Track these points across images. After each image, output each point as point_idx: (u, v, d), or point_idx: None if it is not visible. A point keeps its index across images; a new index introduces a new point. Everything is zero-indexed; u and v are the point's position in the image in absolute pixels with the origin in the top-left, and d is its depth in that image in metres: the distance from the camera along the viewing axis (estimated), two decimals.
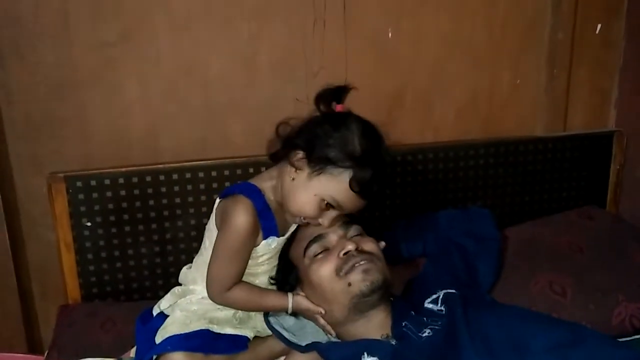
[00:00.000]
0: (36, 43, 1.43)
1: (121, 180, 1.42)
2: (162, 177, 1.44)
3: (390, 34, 1.62)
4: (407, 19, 1.62)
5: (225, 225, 1.11)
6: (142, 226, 1.45)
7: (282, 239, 1.17)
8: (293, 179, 1.09)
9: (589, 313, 1.36)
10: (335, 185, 1.06)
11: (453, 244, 1.40)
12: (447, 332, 1.10)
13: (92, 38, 1.45)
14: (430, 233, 1.47)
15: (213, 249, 1.13)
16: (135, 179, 1.43)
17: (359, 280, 1.12)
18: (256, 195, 1.12)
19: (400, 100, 1.67)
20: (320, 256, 1.15)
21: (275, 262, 1.20)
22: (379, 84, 1.64)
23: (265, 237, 1.13)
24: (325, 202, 1.08)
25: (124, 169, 1.43)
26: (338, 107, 1.11)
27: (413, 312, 1.18)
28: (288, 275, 1.20)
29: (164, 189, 1.44)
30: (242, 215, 1.09)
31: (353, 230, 1.19)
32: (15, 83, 1.44)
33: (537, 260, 1.48)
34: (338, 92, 1.11)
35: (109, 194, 1.42)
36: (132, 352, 1.24)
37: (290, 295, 1.17)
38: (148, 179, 1.43)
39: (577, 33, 1.73)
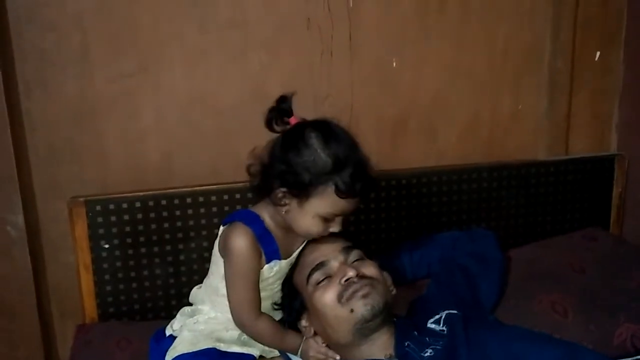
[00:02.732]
0: (59, 74, 1.51)
1: (138, 204, 1.48)
2: (176, 201, 1.50)
3: (394, 63, 1.68)
4: (410, 49, 1.68)
5: (227, 253, 1.15)
6: (157, 248, 1.50)
7: (285, 262, 1.19)
8: (286, 211, 1.12)
9: (590, 333, 1.37)
10: (324, 201, 1.08)
11: (457, 265, 1.43)
12: (448, 352, 1.13)
13: (110, 69, 1.52)
14: (434, 254, 1.50)
15: (225, 281, 1.17)
16: (151, 203, 1.49)
17: (361, 305, 1.14)
18: (254, 222, 1.15)
19: (405, 125, 1.73)
20: (322, 283, 1.18)
21: (277, 287, 1.23)
22: (384, 110, 1.70)
23: (268, 261, 1.16)
24: (326, 217, 1.10)
25: (140, 193, 1.49)
26: (292, 120, 1.11)
27: (416, 332, 1.20)
28: (293, 301, 1.23)
29: (178, 212, 1.50)
30: (239, 241, 1.12)
31: (354, 255, 1.21)
32: (39, 112, 1.52)
33: (540, 281, 1.50)
34: (282, 107, 1.11)
35: (126, 217, 1.48)
36: None
37: (304, 339, 1.20)
38: (163, 202, 1.49)
39: (577, 60, 1.79)
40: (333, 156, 1.07)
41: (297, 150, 1.07)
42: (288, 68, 1.61)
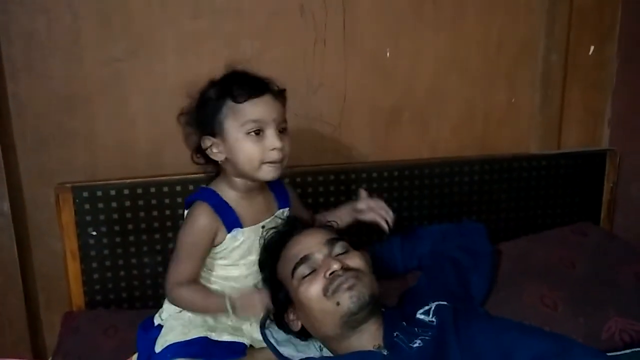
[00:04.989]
0: (48, 57, 1.48)
1: (126, 191, 1.46)
2: (165, 189, 1.48)
3: (388, 53, 1.67)
4: (405, 39, 1.67)
5: (182, 226, 1.18)
6: (145, 236, 1.49)
7: (251, 231, 1.20)
8: (225, 158, 1.15)
9: (579, 327, 1.37)
10: (235, 117, 1.13)
11: (447, 257, 1.43)
12: (437, 343, 1.12)
13: (101, 54, 1.50)
14: (425, 246, 1.50)
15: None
16: (139, 190, 1.47)
17: (347, 298, 1.13)
18: (209, 195, 1.18)
19: (398, 117, 1.72)
20: (307, 277, 1.17)
21: (253, 263, 1.22)
22: (377, 100, 1.69)
23: (229, 231, 1.17)
24: (250, 132, 1.12)
25: (128, 181, 1.48)
26: None
27: (404, 323, 1.20)
28: (277, 293, 1.21)
29: (167, 200, 1.49)
30: (196, 215, 1.16)
31: (338, 247, 1.20)
32: (27, 95, 1.50)
33: (530, 274, 1.50)
34: None
35: (114, 204, 1.46)
36: (134, 358, 1.28)
37: (227, 299, 1.17)
38: (152, 190, 1.48)
39: (571, 54, 1.78)
40: (219, 82, 1.16)
41: (195, 103, 1.18)
42: (281, 55, 1.59)
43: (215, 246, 1.18)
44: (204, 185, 1.24)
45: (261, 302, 1.17)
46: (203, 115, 1.15)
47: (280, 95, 1.16)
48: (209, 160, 1.19)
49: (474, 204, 1.73)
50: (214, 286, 1.21)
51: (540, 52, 1.79)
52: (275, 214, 1.24)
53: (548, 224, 1.79)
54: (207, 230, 1.15)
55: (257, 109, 1.12)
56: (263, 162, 1.14)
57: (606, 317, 1.40)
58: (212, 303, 1.18)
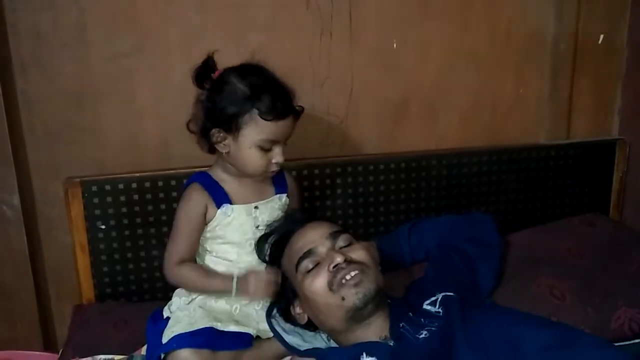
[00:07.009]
0: (55, 54, 1.49)
1: (134, 185, 1.47)
2: (173, 182, 1.49)
3: (395, 45, 1.66)
4: (412, 30, 1.66)
5: (177, 208, 1.23)
6: (153, 229, 1.50)
7: (242, 209, 1.23)
8: (227, 152, 1.19)
9: (588, 317, 1.37)
10: (255, 128, 1.15)
11: (455, 249, 1.43)
12: (443, 334, 1.12)
13: (108, 50, 1.51)
14: (433, 238, 1.49)
15: None
16: (147, 184, 1.48)
17: (352, 294, 1.13)
18: (201, 176, 1.24)
19: (405, 108, 1.71)
20: (312, 271, 1.17)
21: (250, 245, 1.24)
22: (385, 93, 1.69)
23: (218, 207, 1.21)
24: (261, 145, 1.17)
25: (137, 174, 1.49)
26: (216, 74, 1.20)
27: (411, 314, 1.20)
28: (283, 287, 1.22)
29: (175, 194, 1.49)
30: (187, 193, 1.22)
31: (341, 240, 1.20)
32: (35, 92, 1.51)
33: (538, 265, 1.50)
34: (207, 65, 1.21)
35: (122, 198, 1.47)
36: (143, 350, 1.29)
37: (235, 277, 1.20)
38: (160, 183, 1.49)
39: (580, 43, 1.77)
40: (250, 84, 1.16)
41: (219, 88, 1.18)
42: (287, 49, 1.59)
43: (207, 223, 1.23)
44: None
45: (269, 282, 1.19)
46: (222, 109, 1.16)
47: (299, 114, 1.21)
48: (210, 144, 1.21)
49: (482, 195, 1.72)
50: (219, 267, 1.24)
51: (549, 42, 1.77)
52: (271, 199, 1.27)
53: (557, 214, 1.78)
54: (196, 206, 1.21)
55: (278, 130, 1.16)
56: (261, 169, 1.20)
57: (615, 307, 1.39)
58: (216, 281, 1.21)
